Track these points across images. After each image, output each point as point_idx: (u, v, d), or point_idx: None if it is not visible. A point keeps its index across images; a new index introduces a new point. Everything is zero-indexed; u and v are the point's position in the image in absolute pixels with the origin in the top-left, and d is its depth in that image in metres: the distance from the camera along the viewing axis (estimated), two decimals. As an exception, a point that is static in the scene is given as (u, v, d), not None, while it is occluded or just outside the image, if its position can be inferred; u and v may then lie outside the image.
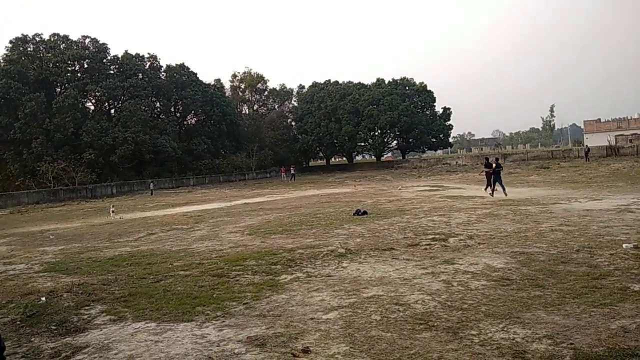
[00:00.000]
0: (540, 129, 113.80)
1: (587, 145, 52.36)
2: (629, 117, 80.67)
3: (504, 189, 19.71)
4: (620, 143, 56.17)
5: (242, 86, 74.69)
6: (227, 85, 73.11)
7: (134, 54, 56.29)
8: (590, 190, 20.03)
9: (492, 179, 20.07)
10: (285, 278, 7.92)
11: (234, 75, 74.30)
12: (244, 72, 74.28)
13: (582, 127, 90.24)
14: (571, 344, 4.59)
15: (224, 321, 5.94)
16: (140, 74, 55.76)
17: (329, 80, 71.11)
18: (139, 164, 52.25)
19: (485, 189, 20.81)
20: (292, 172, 52.43)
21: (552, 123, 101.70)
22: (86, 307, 6.86)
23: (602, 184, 22.78)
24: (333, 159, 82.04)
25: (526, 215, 13.24)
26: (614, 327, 4.92)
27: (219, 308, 6.43)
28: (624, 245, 8.47)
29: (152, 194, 40.49)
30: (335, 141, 67.94)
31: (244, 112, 74.36)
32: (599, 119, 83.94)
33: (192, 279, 8.11)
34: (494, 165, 20.37)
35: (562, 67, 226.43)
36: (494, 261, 8.16)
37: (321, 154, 77.12)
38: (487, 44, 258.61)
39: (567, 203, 15.84)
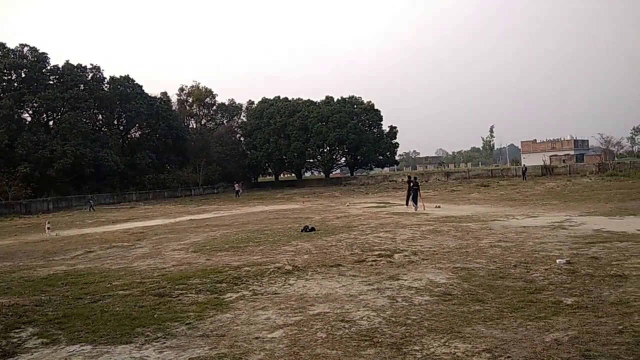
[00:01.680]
0: (481, 149, 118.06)
1: (524, 165, 54.76)
2: (562, 139, 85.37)
3: (415, 205, 22.35)
4: (554, 163, 59.20)
5: (190, 100, 73.41)
6: (174, 98, 71.77)
7: (75, 65, 54.18)
8: (526, 208, 20.97)
9: (411, 195, 22.88)
10: (231, 296, 7.78)
11: (182, 89, 73.06)
12: (192, 86, 73.21)
13: (520, 147, 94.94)
14: (509, 357, 4.75)
15: (165, 342, 5.74)
16: (82, 85, 53.62)
17: (279, 97, 71.08)
18: (79, 178, 50.05)
19: (407, 204, 23.24)
20: (238, 188, 51.71)
21: (491, 143, 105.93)
22: (16, 330, 6.44)
23: (537, 202, 23.90)
24: (282, 175, 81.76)
25: (467, 232, 13.69)
26: (548, 340, 5.14)
27: (160, 329, 6.21)
28: (557, 261, 8.90)
29: (90, 210, 38.75)
30: (284, 157, 67.83)
31: (191, 126, 72.99)
32: (535, 140, 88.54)
33: (132, 298, 7.80)
34: (411, 183, 23.23)
35: (501, 89, 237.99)
36: (436, 277, 8.36)
37: (270, 170, 76.65)
38: (431, 65, 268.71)
39: (505, 220, 16.52)
